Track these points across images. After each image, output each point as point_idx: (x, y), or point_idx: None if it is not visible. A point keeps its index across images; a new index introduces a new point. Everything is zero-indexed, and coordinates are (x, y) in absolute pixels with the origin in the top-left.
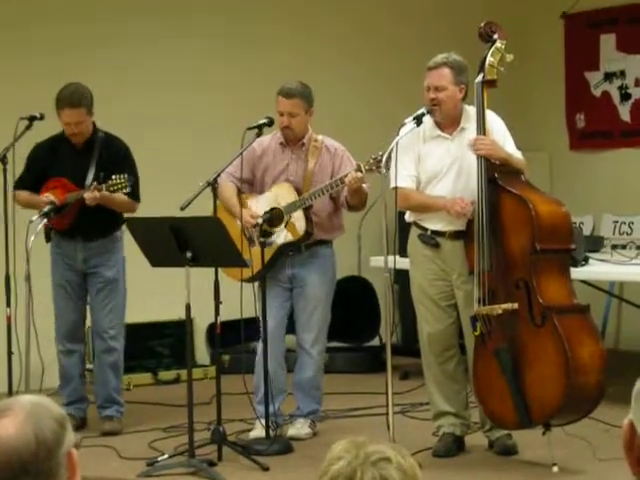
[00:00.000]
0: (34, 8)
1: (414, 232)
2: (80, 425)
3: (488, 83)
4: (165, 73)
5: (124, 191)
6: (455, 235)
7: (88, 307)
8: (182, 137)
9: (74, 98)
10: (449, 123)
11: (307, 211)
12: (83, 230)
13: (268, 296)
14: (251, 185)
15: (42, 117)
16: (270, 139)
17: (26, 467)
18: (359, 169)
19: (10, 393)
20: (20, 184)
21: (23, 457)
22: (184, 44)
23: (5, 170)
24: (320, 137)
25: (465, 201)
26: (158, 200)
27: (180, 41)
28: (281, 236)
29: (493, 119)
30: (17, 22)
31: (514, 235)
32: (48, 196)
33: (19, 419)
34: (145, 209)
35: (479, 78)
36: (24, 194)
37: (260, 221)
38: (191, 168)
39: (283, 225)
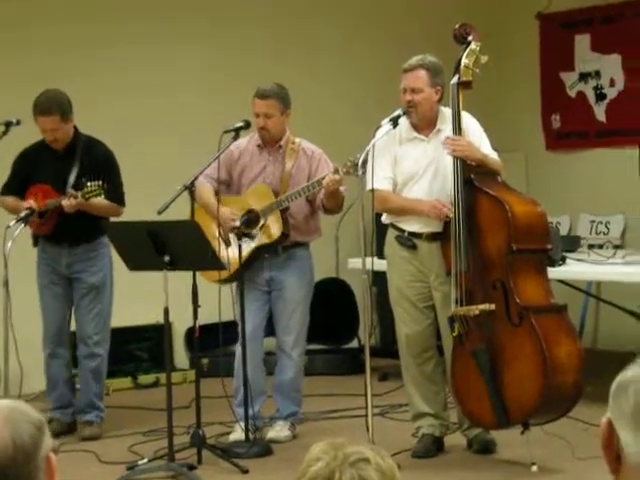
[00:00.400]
0: (16, 9)
1: (391, 234)
2: (67, 430)
3: (463, 84)
4: (151, 77)
5: (98, 197)
6: (432, 236)
7: (73, 313)
8: (168, 142)
9: (46, 106)
10: (425, 125)
11: (284, 213)
12: (68, 236)
13: (246, 299)
14: (228, 187)
15: (18, 122)
16: (247, 141)
17: (4, 472)
18: (336, 172)
19: None
20: (6, 190)
21: (1, 462)
22: (170, 48)
23: None
24: (297, 140)
25: (443, 204)
26: (144, 205)
27: (166, 45)
28: (256, 238)
29: (469, 120)
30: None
31: (490, 236)
32: (30, 203)
33: None
34: (132, 214)
35: (454, 80)
36: (10, 200)
37: (237, 224)
38: (175, 173)
39: (259, 227)
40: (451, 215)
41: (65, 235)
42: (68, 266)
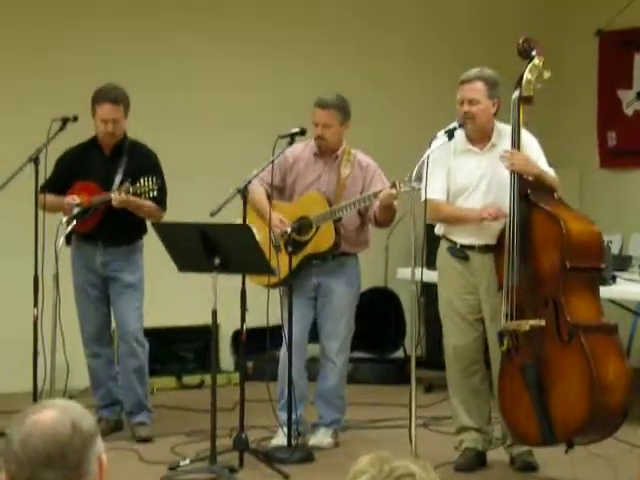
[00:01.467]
0: (63, 5)
1: (443, 245)
2: (115, 428)
3: (525, 100)
4: (198, 72)
5: (151, 194)
6: (485, 249)
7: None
8: (223, 144)
9: (114, 94)
10: (480, 137)
11: (336, 223)
12: (105, 234)
13: (293, 304)
14: (281, 192)
15: (75, 119)
16: (303, 148)
17: (62, 450)
18: (394, 186)
19: (35, 392)
20: (46, 188)
21: (60, 441)
22: (216, 45)
23: (37, 171)
24: (353, 151)
25: (495, 207)
26: (195, 206)
27: (212, 41)
28: (307, 246)
29: (527, 137)
30: (47, 19)
31: (544, 252)
32: (74, 198)
33: (58, 410)
34: (183, 215)
35: (516, 94)
36: (50, 197)
37: (289, 230)
38: (229, 175)
39: (311, 235)
40: (503, 216)
41: (102, 234)
42: (103, 265)
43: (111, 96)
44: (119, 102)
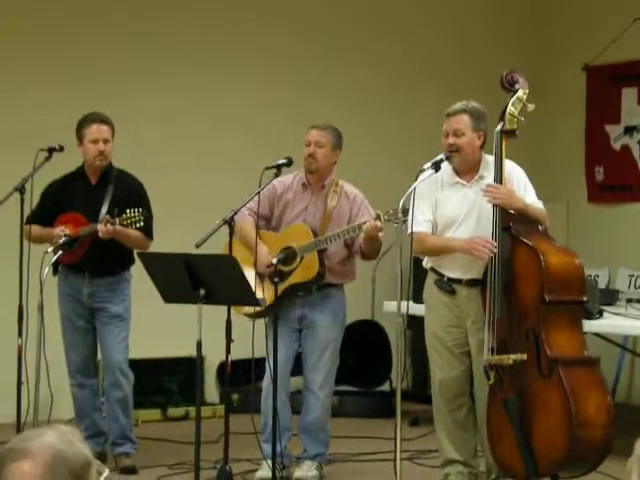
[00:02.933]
0: (61, 41)
1: (431, 278)
2: (98, 460)
3: (508, 133)
4: (186, 109)
5: (137, 225)
6: (472, 283)
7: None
8: (210, 176)
9: (103, 116)
10: (467, 170)
11: (320, 253)
12: (92, 265)
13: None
14: (268, 222)
15: (61, 149)
16: (292, 178)
17: None
18: (378, 218)
19: (19, 423)
20: (32, 219)
21: None
22: (206, 81)
23: (22, 200)
24: (341, 182)
25: (484, 239)
26: (182, 237)
27: (202, 77)
28: (291, 276)
29: (513, 169)
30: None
31: (525, 285)
32: (63, 229)
33: (36, 474)
34: (170, 246)
35: (499, 127)
36: (36, 228)
37: (275, 261)
38: (214, 206)
39: (296, 265)
40: (490, 252)
41: (89, 265)
42: (90, 295)
43: (98, 117)
44: (107, 123)
